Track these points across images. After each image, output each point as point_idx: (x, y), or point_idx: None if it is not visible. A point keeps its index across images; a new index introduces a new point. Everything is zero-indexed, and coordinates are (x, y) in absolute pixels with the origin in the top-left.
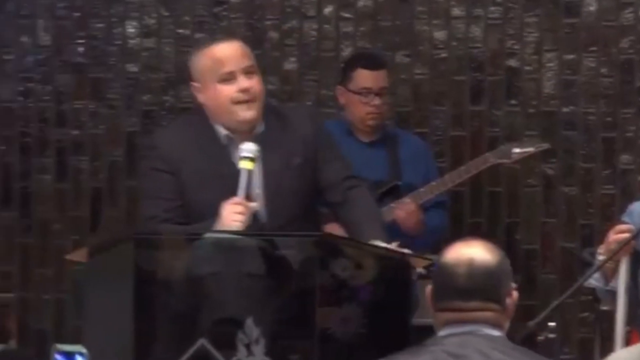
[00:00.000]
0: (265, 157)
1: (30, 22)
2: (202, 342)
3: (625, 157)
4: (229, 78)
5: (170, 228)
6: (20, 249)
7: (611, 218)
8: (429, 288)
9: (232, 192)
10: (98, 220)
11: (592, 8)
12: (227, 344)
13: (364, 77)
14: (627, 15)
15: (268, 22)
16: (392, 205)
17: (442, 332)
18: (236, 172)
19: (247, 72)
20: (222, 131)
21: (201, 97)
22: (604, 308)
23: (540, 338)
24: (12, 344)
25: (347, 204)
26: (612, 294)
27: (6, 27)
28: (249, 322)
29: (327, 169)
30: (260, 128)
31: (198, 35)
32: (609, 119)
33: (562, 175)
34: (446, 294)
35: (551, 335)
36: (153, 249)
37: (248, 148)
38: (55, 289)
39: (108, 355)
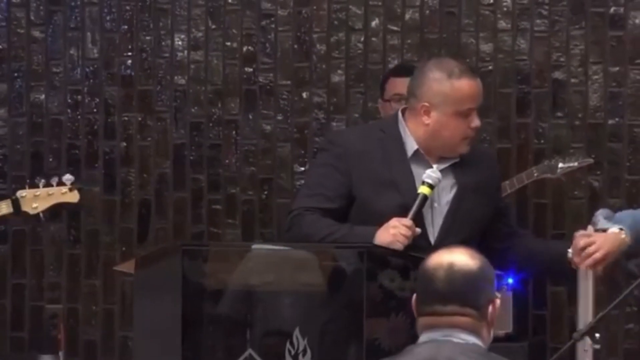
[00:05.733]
0: (455, 179)
1: (79, 34)
2: (250, 352)
3: None
4: (466, 114)
5: (324, 222)
6: (68, 260)
7: None
8: (414, 295)
9: (402, 204)
10: (146, 232)
11: (637, 21)
12: (274, 355)
13: (395, 84)
14: None
15: (315, 35)
16: None
17: (421, 338)
18: (412, 185)
19: (477, 110)
20: (412, 145)
21: (427, 118)
22: None
23: (586, 349)
24: (61, 354)
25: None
26: None
27: (55, 40)
28: (297, 333)
29: (503, 215)
30: (457, 157)
31: (245, 48)
32: None
33: (607, 187)
34: (426, 298)
35: (597, 346)
36: (201, 260)
37: (432, 175)
38: (104, 300)
39: None
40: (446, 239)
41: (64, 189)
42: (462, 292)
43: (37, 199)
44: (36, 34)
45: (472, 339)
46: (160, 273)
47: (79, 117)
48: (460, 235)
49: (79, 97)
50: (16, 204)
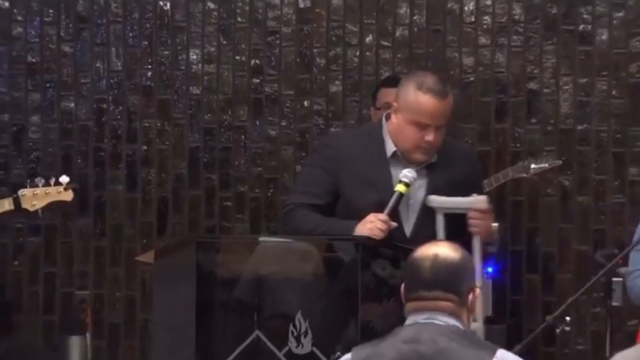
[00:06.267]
0: (428, 179)
1: (104, 49)
2: (257, 333)
3: (633, 170)
4: (422, 127)
5: (312, 216)
6: (95, 251)
7: (621, 224)
8: (403, 283)
9: (380, 202)
10: (164, 226)
11: (604, 37)
12: (279, 336)
13: (385, 94)
14: (636, 44)
15: (315, 50)
16: None
17: (407, 321)
18: (389, 184)
19: (439, 127)
20: (391, 147)
21: (394, 117)
22: (615, 304)
23: (558, 330)
24: (88, 335)
25: None
26: None
27: (83, 54)
28: (299, 316)
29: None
30: (433, 158)
31: (253, 62)
32: (618, 135)
33: (576, 186)
34: (413, 286)
35: (567, 328)
36: (213, 251)
37: (407, 175)
38: (126, 286)
39: (174, 346)
40: (420, 233)
41: (60, 189)
42: (445, 280)
43: (35, 197)
44: (66, 48)
45: (452, 322)
46: (176, 263)
47: (104, 123)
48: (432, 230)
49: (105, 105)
50: (17, 201)
